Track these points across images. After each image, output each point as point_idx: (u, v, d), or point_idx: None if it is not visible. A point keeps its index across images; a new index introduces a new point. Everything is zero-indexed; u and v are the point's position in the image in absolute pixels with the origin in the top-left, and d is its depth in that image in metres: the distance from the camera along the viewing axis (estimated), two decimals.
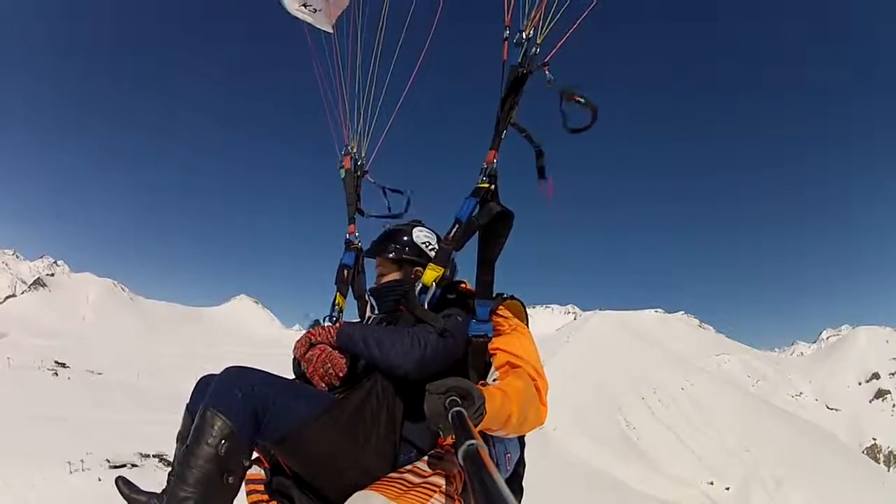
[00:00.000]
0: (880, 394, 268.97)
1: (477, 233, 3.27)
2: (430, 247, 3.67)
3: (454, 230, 3.29)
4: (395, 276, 3.68)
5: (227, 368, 2.85)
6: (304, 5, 4.78)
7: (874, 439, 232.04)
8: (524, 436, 3.34)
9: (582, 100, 3.20)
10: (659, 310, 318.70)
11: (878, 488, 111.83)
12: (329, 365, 3.13)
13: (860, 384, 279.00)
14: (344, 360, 3.17)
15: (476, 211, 3.24)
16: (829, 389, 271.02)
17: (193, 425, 2.69)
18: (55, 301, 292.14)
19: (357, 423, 2.90)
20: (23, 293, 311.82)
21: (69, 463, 15.43)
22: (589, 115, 3.23)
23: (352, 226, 4.44)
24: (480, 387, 2.55)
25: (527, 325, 3.57)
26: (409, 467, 2.87)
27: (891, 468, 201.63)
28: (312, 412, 2.85)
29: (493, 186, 3.26)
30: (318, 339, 3.26)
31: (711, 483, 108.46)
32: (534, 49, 3.29)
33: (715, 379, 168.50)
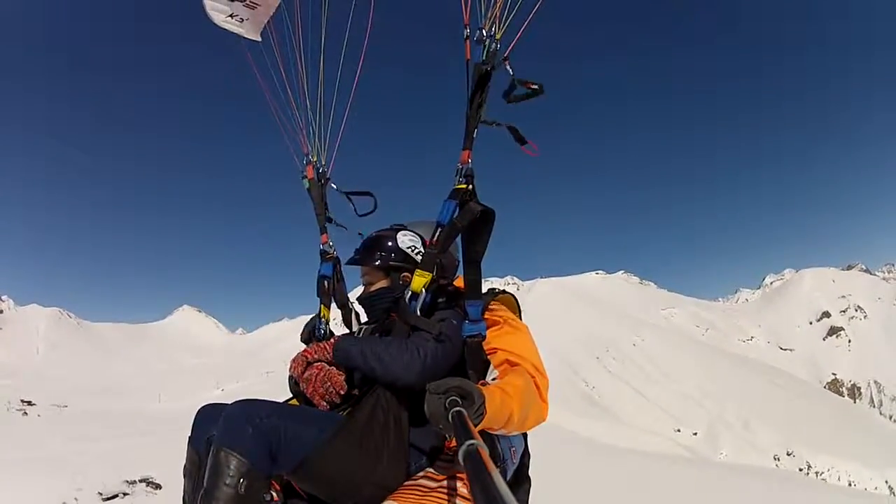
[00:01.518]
0: (833, 331, 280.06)
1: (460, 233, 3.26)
2: (416, 250, 3.65)
3: (437, 234, 3.27)
4: (382, 283, 3.64)
5: (233, 404, 2.84)
6: (231, 16, 4.75)
7: (834, 374, 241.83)
8: None
9: (535, 86, 3.25)
10: (600, 272, 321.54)
11: (846, 419, 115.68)
12: (329, 383, 3.13)
13: (811, 324, 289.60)
14: (343, 377, 3.16)
15: (456, 212, 3.22)
16: (779, 331, 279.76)
17: (208, 466, 2.66)
18: (8, 338, 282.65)
19: (368, 439, 2.90)
20: None
21: None
22: (536, 87, 3.27)
23: (324, 235, 4.38)
24: (480, 386, 2.56)
25: (520, 318, 3.61)
26: (421, 473, 2.91)
27: (856, 399, 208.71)
28: (323, 436, 2.84)
29: (470, 186, 3.25)
30: (315, 356, 3.25)
31: (678, 430, 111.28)
32: (494, 45, 3.30)
33: (665, 332, 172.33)
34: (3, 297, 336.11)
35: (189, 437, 3.05)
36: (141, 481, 16.71)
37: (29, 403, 45.62)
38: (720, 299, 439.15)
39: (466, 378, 2.76)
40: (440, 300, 3.42)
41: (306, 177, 4.51)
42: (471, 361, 3.14)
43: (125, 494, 16.18)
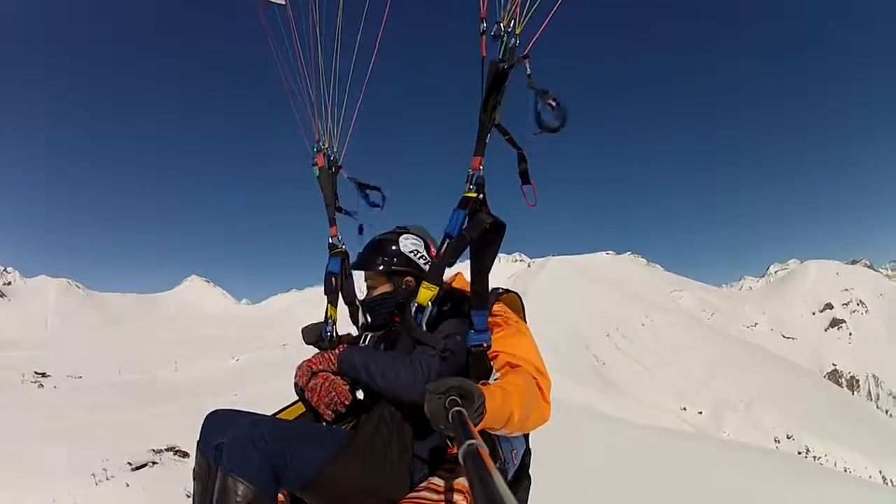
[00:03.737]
0: (835, 323, 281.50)
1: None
2: (419, 255, 3.61)
3: (445, 245, 3.14)
4: (385, 288, 3.63)
5: (238, 425, 2.89)
6: None
7: (834, 365, 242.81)
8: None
9: (555, 103, 2.96)
10: (609, 252, 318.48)
11: (844, 408, 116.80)
12: (334, 393, 3.18)
13: (814, 314, 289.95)
14: (347, 387, 3.21)
15: (466, 223, 3.07)
16: (783, 319, 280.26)
17: (216, 489, 2.75)
18: (17, 310, 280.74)
19: (372, 454, 2.96)
20: None
21: (93, 475, 15.61)
22: (559, 117, 2.99)
23: (333, 228, 4.22)
24: (480, 386, 2.54)
25: (524, 318, 3.63)
26: (424, 484, 2.93)
27: (855, 391, 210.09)
28: (328, 455, 2.92)
29: (481, 195, 3.09)
30: (320, 367, 3.28)
31: (685, 409, 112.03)
32: (513, 41, 3.04)
33: (672, 313, 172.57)
34: (9, 269, 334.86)
35: (197, 442, 3.10)
36: (168, 450, 17.23)
37: (43, 375, 45.92)
38: (724, 285, 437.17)
39: None
40: (445, 308, 3.37)
41: (316, 164, 4.34)
42: (474, 370, 3.10)
43: (154, 463, 16.67)
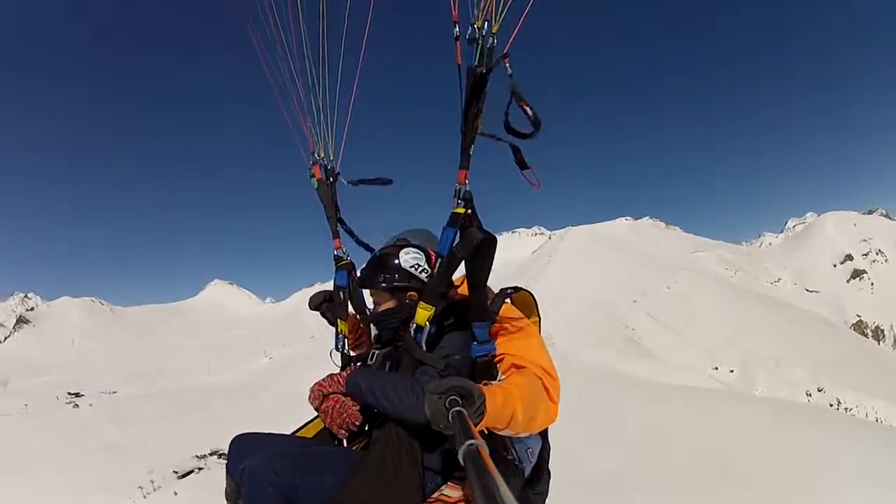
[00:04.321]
0: (856, 274, 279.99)
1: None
2: (420, 269, 3.60)
3: (438, 265, 3.18)
4: (389, 304, 3.65)
5: (255, 455, 3.07)
6: None
7: (858, 316, 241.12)
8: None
9: (529, 111, 2.90)
10: (628, 217, 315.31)
11: (871, 359, 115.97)
12: (346, 415, 3.30)
13: (835, 266, 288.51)
14: (357, 408, 3.32)
15: (456, 240, 3.06)
16: (805, 273, 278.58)
17: None
18: (43, 334, 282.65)
19: (383, 474, 3.01)
20: (7, 337, 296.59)
21: (141, 487, 15.86)
22: (530, 126, 2.96)
23: (337, 240, 4.19)
24: (482, 386, 2.58)
25: (537, 315, 3.65)
26: (436, 495, 3.02)
27: (880, 342, 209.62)
28: (340, 479, 3.00)
29: (469, 210, 3.05)
30: (330, 390, 3.39)
31: (716, 368, 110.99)
32: (490, 41, 2.93)
33: (696, 275, 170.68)
34: (30, 295, 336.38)
35: (226, 465, 3.31)
36: (212, 454, 17.44)
37: (77, 395, 46.37)
38: (744, 242, 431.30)
39: None
40: (447, 323, 3.38)
41: (313, 176, 4.26)
42: (481, 379, 3.06)
43: (199, 469, 16.90)
